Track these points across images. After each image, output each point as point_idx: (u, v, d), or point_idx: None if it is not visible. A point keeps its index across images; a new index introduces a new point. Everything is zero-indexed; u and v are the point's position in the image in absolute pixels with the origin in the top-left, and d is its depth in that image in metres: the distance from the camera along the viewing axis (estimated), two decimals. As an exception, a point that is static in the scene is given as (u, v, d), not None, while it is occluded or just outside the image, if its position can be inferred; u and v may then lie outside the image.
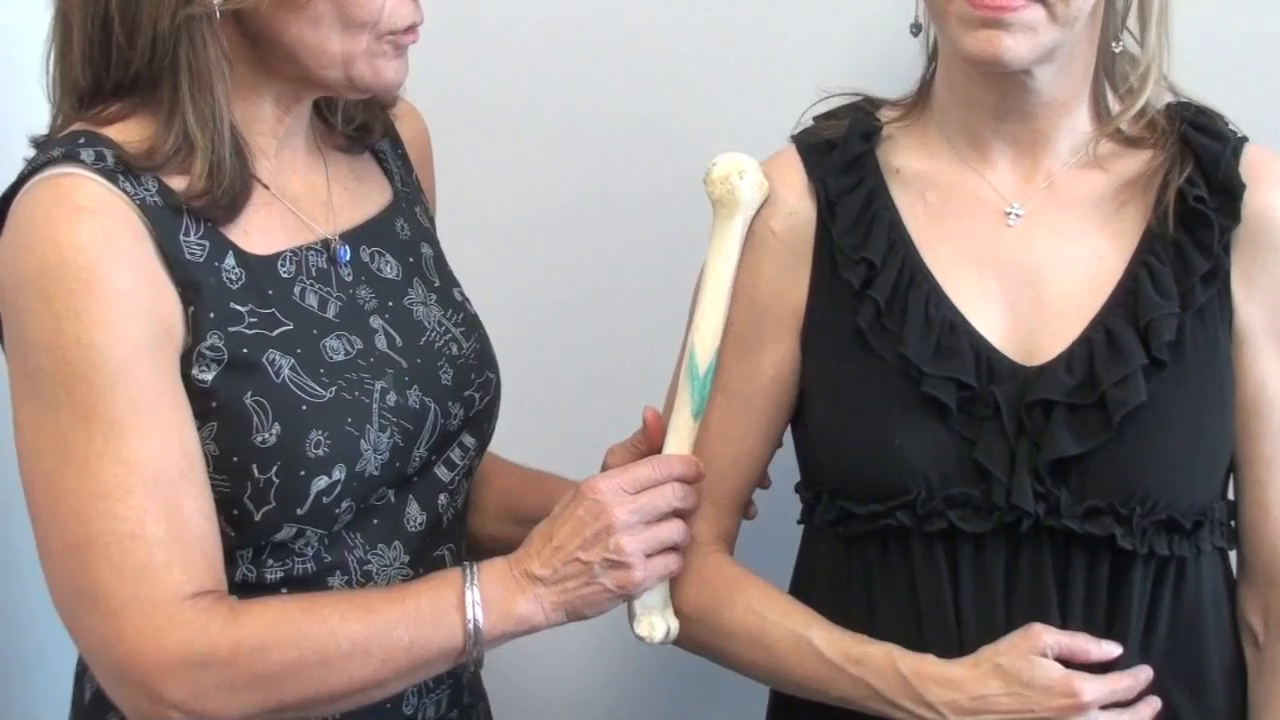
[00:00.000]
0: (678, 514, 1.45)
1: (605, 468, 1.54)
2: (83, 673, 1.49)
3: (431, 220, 1.62)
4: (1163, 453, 1.40)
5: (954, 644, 1.42)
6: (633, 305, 1.91)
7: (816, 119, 1.52)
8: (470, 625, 1.39)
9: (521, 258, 1.92)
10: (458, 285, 1.59)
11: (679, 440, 1.47)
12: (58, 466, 1.31)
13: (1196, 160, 1.44)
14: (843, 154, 1.46)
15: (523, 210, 1.91)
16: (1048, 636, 1.38)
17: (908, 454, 1.41)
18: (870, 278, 1.43)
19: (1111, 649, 1.39)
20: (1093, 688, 1.37)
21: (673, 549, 1.45)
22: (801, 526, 1.55)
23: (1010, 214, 1.46)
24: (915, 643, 1.42)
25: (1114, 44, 1.44)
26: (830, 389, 1.46)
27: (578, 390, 1.94)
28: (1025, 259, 1.45)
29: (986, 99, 1.43)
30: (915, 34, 1.48)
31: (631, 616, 1.47)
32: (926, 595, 1.43)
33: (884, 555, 1.45)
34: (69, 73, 1.39)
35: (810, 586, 1.50)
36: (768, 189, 1.46)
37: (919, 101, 1.51)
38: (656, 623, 1.46)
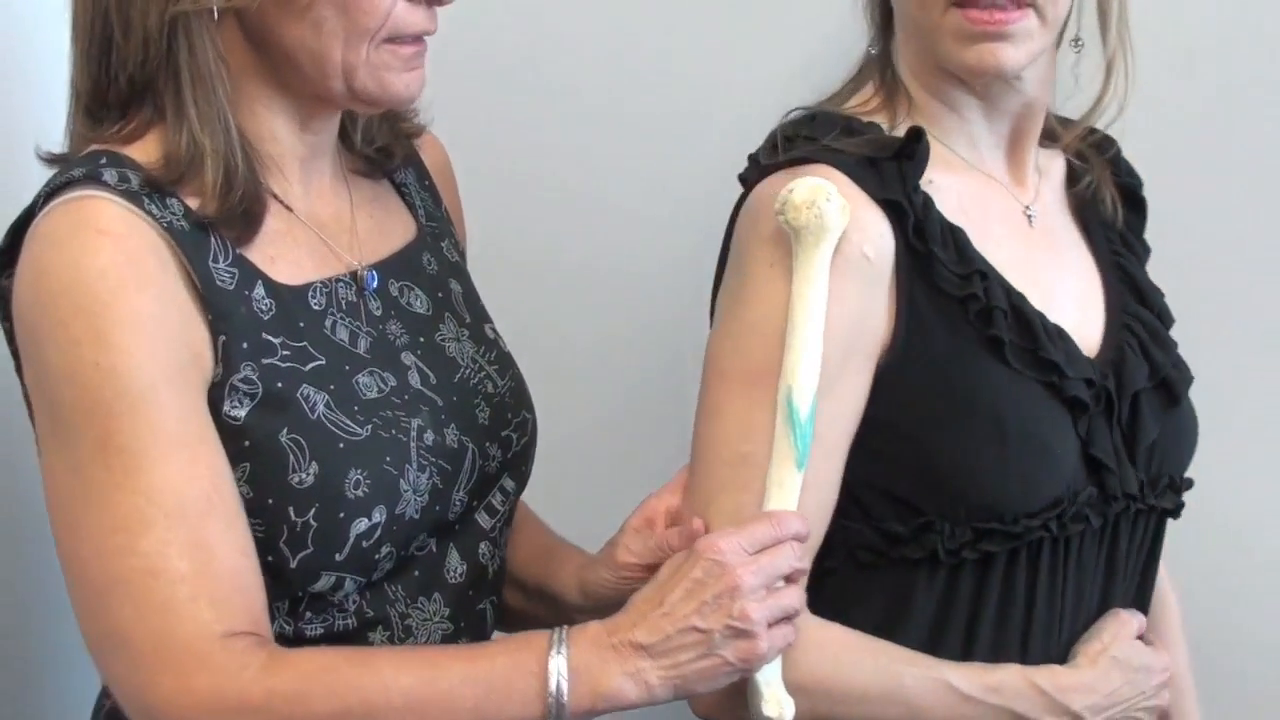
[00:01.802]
0: (788, 578, 1.34)
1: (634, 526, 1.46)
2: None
3: (462, 254, 1.58)
4: (1192, 420, 1.50)
5: (1056, 646, 1.44)
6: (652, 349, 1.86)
7: (787, 136, 1.45)
8: (551, 700, 1.27)
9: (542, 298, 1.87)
10: (489, 322, 1.54)
11: (783, 495, 1.34)
12: (77, 502, 1.25)
13: (1099, 157, 1.55)
14: (896, 170, 1.40)
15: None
16: (1134, 620, 1.45)
17: (1063, 459, 1.40)
18: (986, 289, 1.40)
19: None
20: (1167, 661, 1.47)
21: (787, 617, 1.33)
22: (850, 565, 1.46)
23: (1029, 214, 1.49)
24: (1020, 655, 1.41)
25: (1074, 44, 1.48)
26: (966, 408, 1.38)
27: (600, 432, 1.89)
28: (1049, 257, 1.49)
29: (975, 102, 1.45)
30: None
31: (756, 695, 1.34)
32: (1042, 601, 1.42)
33: (1009, 570, 1.41)
34: (75, 77, 1.35)
35: (901, 622, 1.42)
36: (849, 211, 1.37)
37: (888, 106, 1.47)
38: (785, 700, 1.34)
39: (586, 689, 1.27)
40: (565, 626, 1.30)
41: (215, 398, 1.29)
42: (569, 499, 1.66)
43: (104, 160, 1.30)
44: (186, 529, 1.24)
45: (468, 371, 1.46)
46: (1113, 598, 1.47)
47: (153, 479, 1.23)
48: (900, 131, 1.42)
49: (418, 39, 1.35)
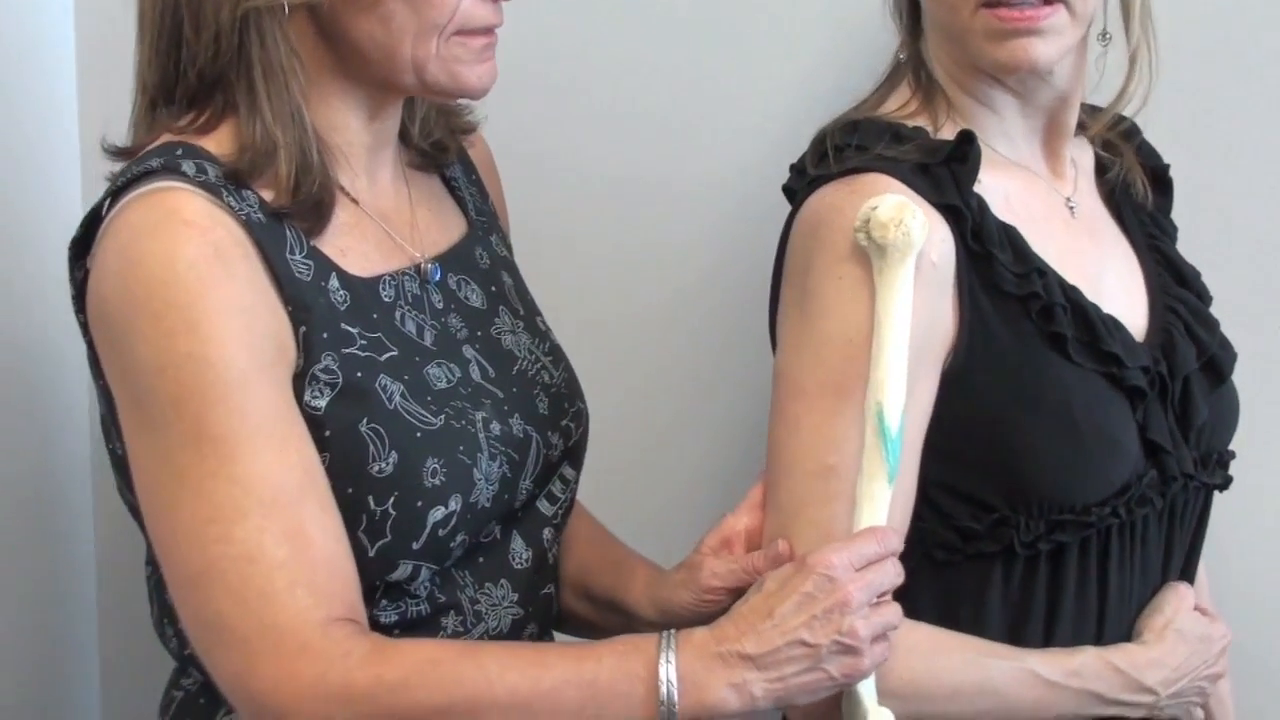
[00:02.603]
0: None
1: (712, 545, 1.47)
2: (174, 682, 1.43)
3: (509, 248, 1.59)
4: (1235, 396, 1.53)
5: (1127, 623, 1.47)
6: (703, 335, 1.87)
7: (837, 146, 1.46)
8: (663, 707, 1.27)
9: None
10: (540, 314, 1.56)
11: (875, 509, 1.35)
12: (172, 493, 1.25)
13: (1125, 142, 1.58)
14: (949, 175, 1.41)
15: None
16: (1190, 592, 1.49)
17: (1128, 447, 1.42)
18: (1045, 286, 1.42)
19: None
20: (1224, 629, 1.51)
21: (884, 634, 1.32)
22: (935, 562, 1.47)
23: (1071, 206, 1.51)
24: (1095, 637, 1.45)
25: (1101, 38, 1.49)
26: (1034, 405, 1.40)
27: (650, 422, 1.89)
28: (1092, 246, 1.51)
29: (1010, 99, 1.47)
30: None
31: (857, 706, 1.34)
32: (1114, 584, 1.45)
33: (1082, 557, 1.43)
34: (142, 70, 1.35)
35: (981, 617, 1.43)
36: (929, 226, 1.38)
37: (928, 109, 1.48)
38: (886, 715, 1.34)
39: (693, 699, 1.27)
40: (673, 632, 1.29)
41: (297, 388, 1.29)
42: (605, 487, 1.67)
43: (180, 151, 1.30)
44: (282, 516, 1.24)
45: (525, 364, 1.47)
46: (1170, 572, 1.50)
47: (247, 467, 1.24)
48: (945, 134, 1.44)
49: (487, 31, 1.35)
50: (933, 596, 1.41)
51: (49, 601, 1.85)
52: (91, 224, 1.30)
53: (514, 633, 1.44)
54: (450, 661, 1.26)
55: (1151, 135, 1.64)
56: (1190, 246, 1.62)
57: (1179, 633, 1.46)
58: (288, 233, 1.31)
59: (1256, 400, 1.60)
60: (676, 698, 1.26)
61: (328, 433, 1.29)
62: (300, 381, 1.29)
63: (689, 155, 1.83)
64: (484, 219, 1.55)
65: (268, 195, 1.30)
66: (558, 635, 1.54)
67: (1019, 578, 1.43)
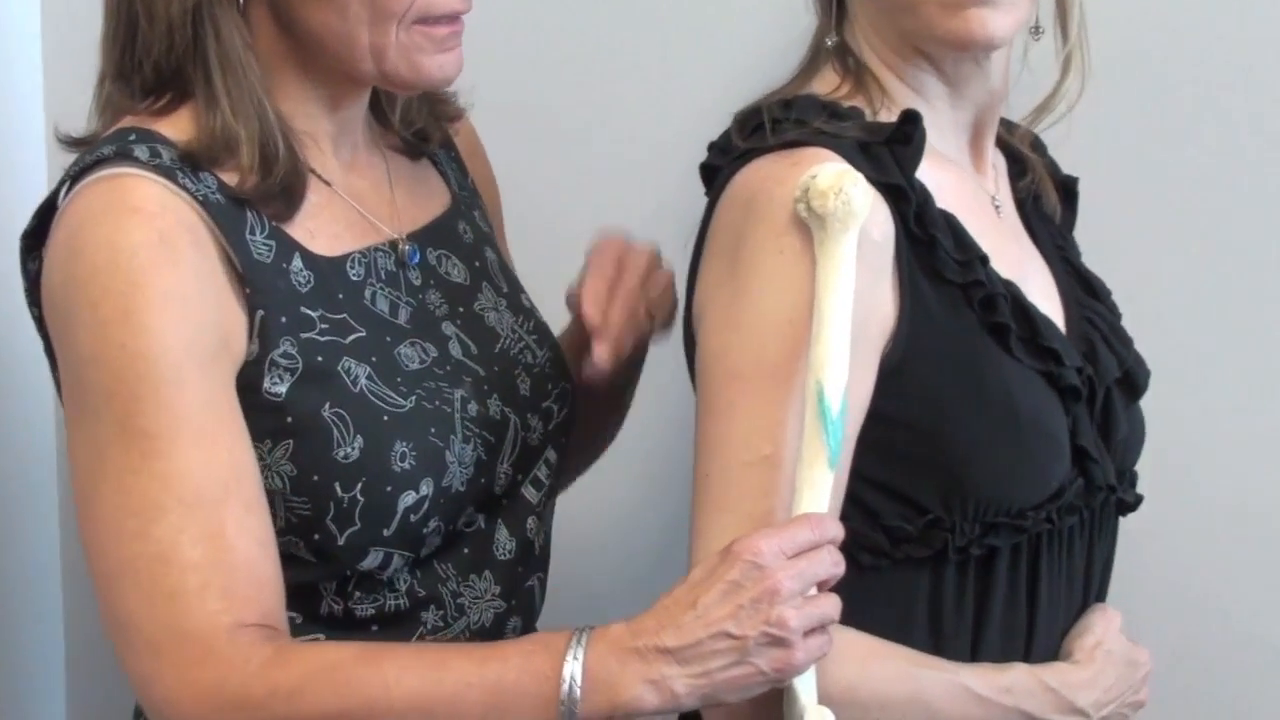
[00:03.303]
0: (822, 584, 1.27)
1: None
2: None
3: (491, 225, 1.57)
4: (1143, 416, 1.51)
5: (1055, 640, 1.43)
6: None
7: (775, 119, 1.38)
8: (564, 706, 1.21)
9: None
10: (524, 291, 1.54)
11: (815, 496, 1.26)
12: (96, 486, 1.24)
13: (1035, 154, 1.55)
14: (890, 156, 1.35)
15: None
16: (1116, 614, 1.46)
17: (1064, 446, 1.38)
18: (988, 275, 1.36)
19: None
20: (1147, 655, 1.47)
21: (822, 626, 1.25)
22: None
23: (997, 205, 1.47)
24: (1024, 651, 1.40)
25: (1033, 32, 1.44)
26: (977, 398, 1.34)
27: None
28: (1015, 248, 1.47)
29: (943, 89, 1.42)
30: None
31: (796, 709, 1.26)
32: (1044, 595, 1.40)
33: (1012, 567, 1.38)
34: (103, 59, 1.35)
35: (907, 624, 1.37)
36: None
37: (862, 92, 1.41)
38: (826, 715, 1.26)
39: (603, 697, 1.21)
40: (587, 629, 1.23)
41: (254, 375, 1.28)
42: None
43: (133, 137, 1.28)
44: (202, 517, 1.22)
45: (508, 342, 1.46)
46: (1090, 589, 1.46)
47: (171, 465, 1.22)
48: (881, 118, 1.39)
49: (452, 19, 1.33)
50: (854, 603, 1.29)
51: (13, 600, 1.84)
52: (45, 215, 1.30)
53: (496, 627, 1.42)
54: (347, 667, 1.23)
55: (1070, 145, 1.59)
56: (1102, 256, 1.59)
57: (1109, 654, 1.42)
58: (249, 213, 1.30)
59: (1162, 422, 1.56)
60: (578, 696, 1.20)
61: (289, 419, 1.28)
62: (259, 368, 1.28)
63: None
64: (465, 193, 1.54)
65: (230, 179, 1.29)
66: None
67: (948, 586, 1.37)
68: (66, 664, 1.93)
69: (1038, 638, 1.41)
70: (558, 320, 1.55)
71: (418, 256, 1.41)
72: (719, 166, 1.38)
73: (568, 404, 1.49)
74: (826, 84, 1.42)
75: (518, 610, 1.43)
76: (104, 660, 1.27)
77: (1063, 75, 1.46)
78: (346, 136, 1.40)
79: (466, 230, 1.50)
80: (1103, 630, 1.43)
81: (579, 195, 1.85)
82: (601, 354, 1.43)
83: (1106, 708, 1.41)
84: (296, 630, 1.31)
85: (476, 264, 1.48)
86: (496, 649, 1.25)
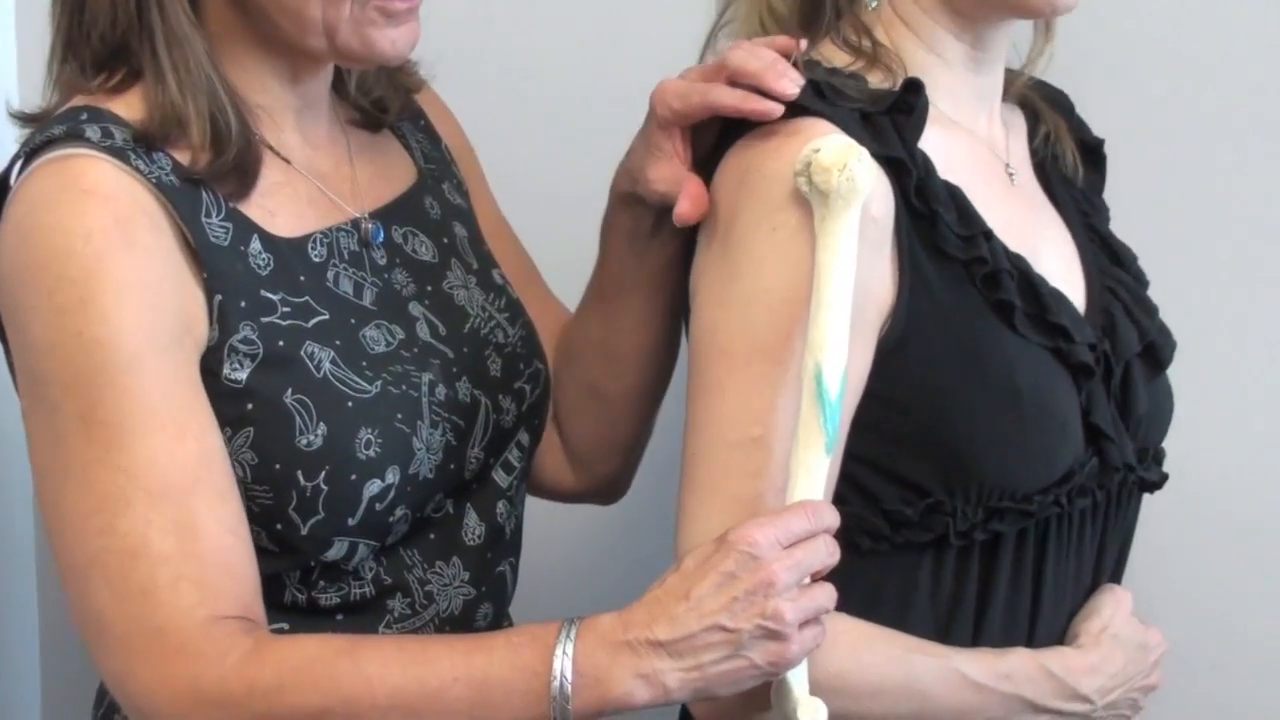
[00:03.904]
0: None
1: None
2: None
3: (465, 195, 1.52)
4: (1170, 389, 1.46)
5: (1060, 625, 1.40)
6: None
7: None
8: (556, 703, 1.18)
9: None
10: (496, 267, 1.50)
11: (810, 481, 1.23)
12: (59, 480, 1.21)
13: (1054, 111, 1.50)
14: (891, 125, 1.31)
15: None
16: (1127, 596, 1.42)
17: (1073, 428, 1.34)
18: (992, 251, 1.33)
19: None
20: (1160, 638, 1.43)
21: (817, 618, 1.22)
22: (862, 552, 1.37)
23: (1010, 173, 1.44)
24: (1027, 636, 1.37)
25: None
26: (978, 379, 1.30)
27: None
28: (1031, 217, 1.43)
29: (965, 51, 1.38)
30: None
31: (787, 697, 1.24)
32: (1049, 581, 1.37)
33: (1018, 550, 1.35)
34: (55, 33, 1.31)
35: (906, 611, 1.35)
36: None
37: (861, 54, 1.37)
38: (819, 707, 1.23)
39: (594, 693, 1.18)
40: (576, 620, 1.21)
41: (214, 360, 1.25)
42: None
43: (85, 116, 1.25)
44: (170, 507, 1.20)
45: (478, 321, 1.43)
46: (1103, 573, 1.43)
47: (135, 455, 1.19)
48: (884, 86, 1.35)
49: None
50: (853, 588, 1.28)
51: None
52: None
53: (466, 615, 1.39)
54: (327, 662, 1.20)
55: (1083, 110, 1.56)
56: (1121, 229, 1.54)
57: (1116, 638, 1.38)
58: (204, 195, 1.27)
59: (1189, 397, 1.52)
60: (570, 692, 1.18)
61: (250, 406, 1.26)
62: (218, 354, 1.25)
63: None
64: (434, 166, 1.50)
65: (183, 158, 1.26)
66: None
67: (949, 571, 1.34)
68: (40, 651, 1.92)
69: (1041, 622, 1.38)
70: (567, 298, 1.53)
71: (381, 235, 1.38)
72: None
73: (541, 384, 1.46)
74: (829, 46, 1.38)
75: (488, 597, 1.41)
76: (79, 647, 1.26)
77: (1049, 31, 1.45)
78: (311, 110, 1.37)
79: (434, 205, 1.46)
80: (1111, 613, 1.40)
81: (575, 182, 1.78)
82: (683, 208, 1.33)
83: (1112, 693, 1.38)
84: None
85: (445, 240, 1.45)
86: (483, 641, 1.23)
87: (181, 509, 1.20)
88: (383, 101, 1.44)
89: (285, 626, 1.30)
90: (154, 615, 1.19)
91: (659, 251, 1.40)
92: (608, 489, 1.57)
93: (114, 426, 1.19)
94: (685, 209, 1.31)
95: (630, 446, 1.53)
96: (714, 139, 1.34)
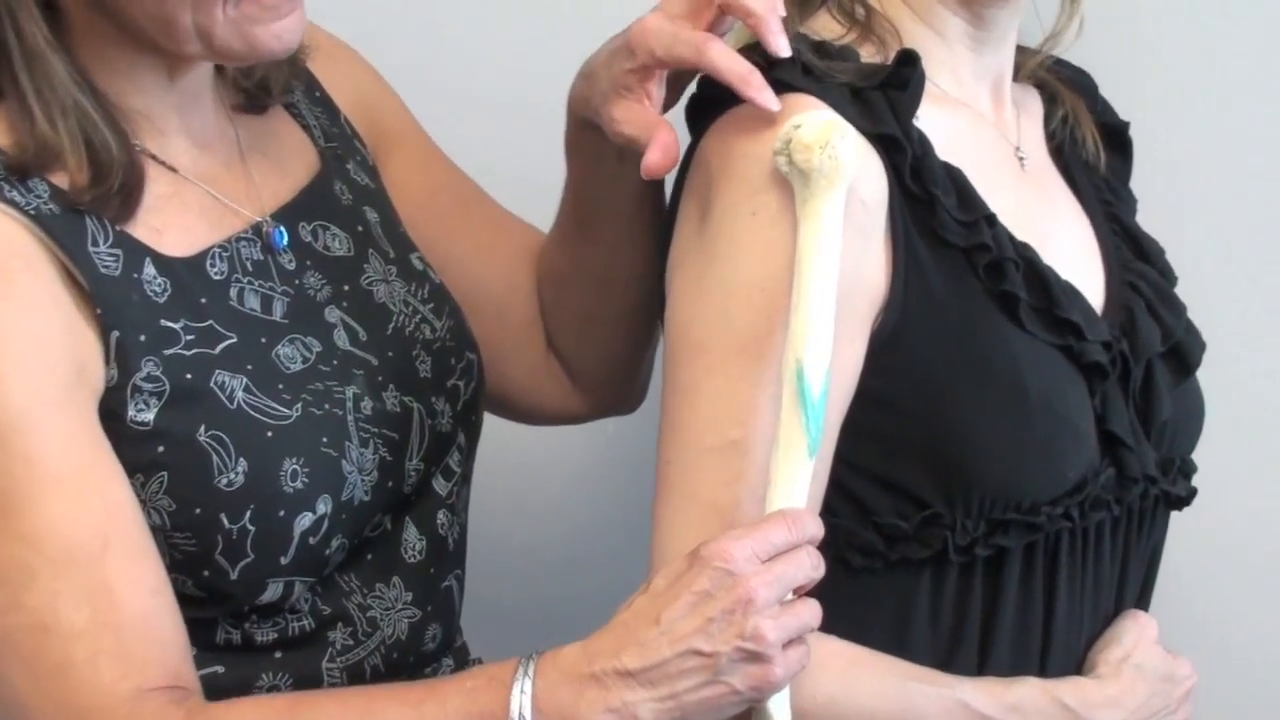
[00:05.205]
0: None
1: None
2: None
3: (371, 171, 1.44)
4: (1200, 395, 1.40)
5: (1076, 653, 1.33)
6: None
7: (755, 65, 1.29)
8: None
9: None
10: (415, 251, 1.42)
11: (792, 489, 1.17)
12: None
13: (1073, 93, 1.44)
14: (884, 101, 1.24)
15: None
16: (1152, 623, 1.36)
17: (1084, 433, 1.27)
18: (995, 237, 1.27)
19: None
20: (1189, 668, 1.37)
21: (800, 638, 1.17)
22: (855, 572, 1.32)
23: (1020, 157, 1.38)
24: (1040, 663, 1.31)
25: None
26: (980, 377, 1.24)
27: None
28: (1043, 204, 1.37)
29: (965, 27, 1.33)
30: None
31: None
32: (1062, 603, 1.31)
33: (1025, 570, 1.29)
34: None
35: (903, 634, 1.28)
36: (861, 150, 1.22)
37: (855, 26, 1.30)
38: None
39: None
40: (535, 655, 1.15)
41: (116, 403, 1.19)
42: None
43: None
44: (80, 574, 1.14)
45: (401, 319, 1.36)
46: (1125, 597, 1.37)
47: (35, 521, 1.14)
48: (877, 59, 1.29)
49: None
50: (844, 609, 1.23)
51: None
52: None
53: (414, 639, 1.33)
54: None
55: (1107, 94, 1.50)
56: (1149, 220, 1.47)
57: (1139, 669, 1.31)
58: (88, 222, 1.20)
59: (1220, 404, 1.44)
60: None
61: (161, 448, 1.19)
62: (120, 395, 1.19)
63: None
64: (335, 144, 1.42)
65: (63, 182, 1.20)
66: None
67: (950, 591, 1.28)
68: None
69: (1054, 650, 1.31)
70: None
71: (285, 238, 1.31)
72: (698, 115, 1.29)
73: (475, 376, 1.40)
74: (822, 20, 1.32)
75: (435, 616, 1.35)
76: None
77: (1073, 8, 1.39)
78: (195, 104, 1.29)
79: (344, 190, 1.38)
80: (1134, 641, 1.33)
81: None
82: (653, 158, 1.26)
83: None
84: None
85: (359, 228, 1.37)
86: (434, 689, 1.17)
87: (92, 575, 1.14)
88: (266, 81, 1.36)
89: (219, 670, 1.24)
90: (75, 696, 1.13)
91: (631, 174, 1.31)
92: (624, 403, 1.53)
93: (8, 493, 1.13)
94: (655, 159, 1.23)
95: (638, 360, 1.49)
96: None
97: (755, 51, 1.25)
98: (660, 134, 1.23)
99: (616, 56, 1.26)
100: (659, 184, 1.31)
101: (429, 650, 1.34)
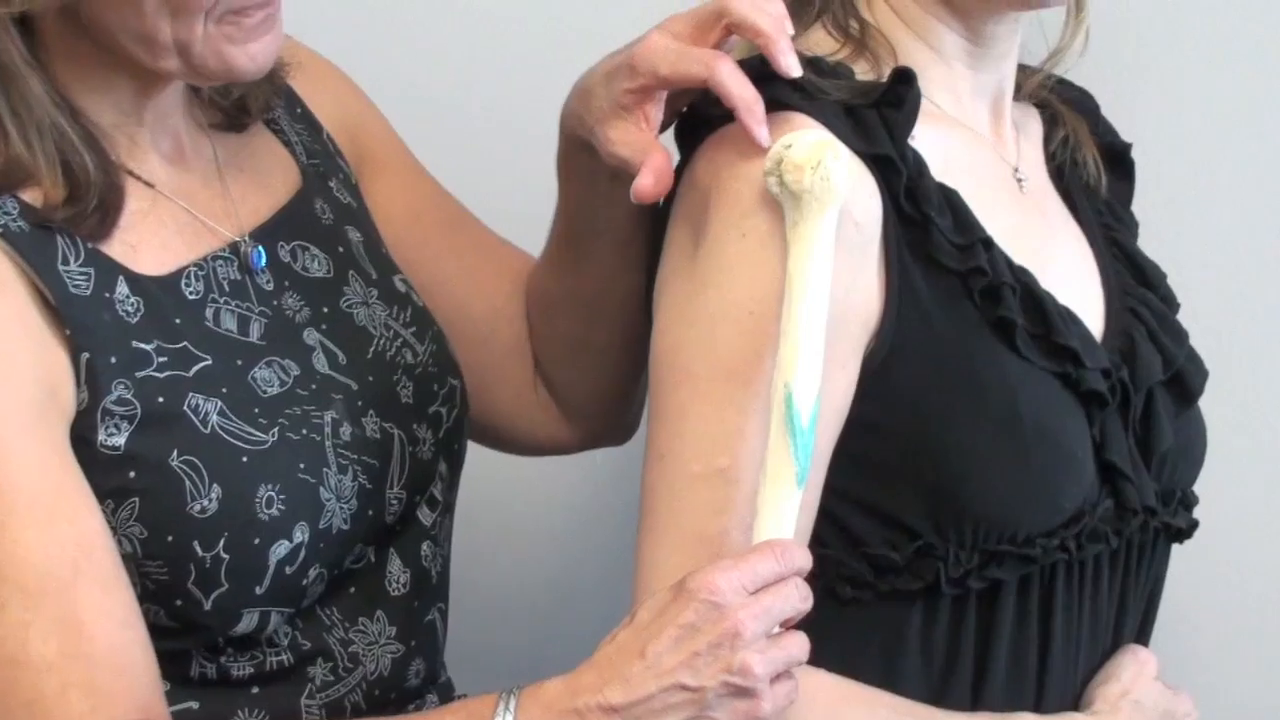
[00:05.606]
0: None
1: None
2: None
3: (353, 191, 1.43)
4: (1203, 425, 1.38)
5: (1072, 690, 1.31)
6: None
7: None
8: None
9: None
10: (398, 273, 1.41)
11: (779, 518, 1.15)
12: None
13: (1075, 114, 1.43)
14: (879, 120, 1.23)
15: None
16: (1152, 658, 1.34)
17: (1082, 463, 1.25)
18: (991, 261, 1.25)
19: None
20: (1190, 705, 1.36)
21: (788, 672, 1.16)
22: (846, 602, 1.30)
23: (1019, 178, 1.36)
24: (1035, 699, 1.28)
25: None
26: (974, 404, 1.22)
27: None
28: (1042, 227, 1.36)
29: (963, 45, 1.31)
30: None
31: None
32: (1058, 638, 1.29)
33: (1020, 603, 1.26)
34: None
35: (894, 668, 1.26)
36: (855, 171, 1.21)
37: (850, 42, 1.30)
38: None
39: None
40: (515, 690, 1.13)
41: (86, 427, 1.17)
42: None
43: None
44: (50, 605, 1.13)
45: (382, 343, 1.34)
46: (1124, 631, 1.35)
47: (4, 550, 1.12)
48: (874, 76, 1.28)
49: (265, 3, 1.22)
50: (831, 643, 1.21)
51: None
52: None
53: (397, 675, 1.31)
54: None
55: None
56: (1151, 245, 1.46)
57: (1138, 705, 1.29)
58: (59, 239, 1.19)
59: (1223, 435, 1.43)
60: None
61: (132, 474, 1.18)
62: (90, 419, 1.17)
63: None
64: (317, 161, 1.40)
65: (34, 199, 1.19)
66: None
67: (943, 625, 1.25)
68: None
69: (1050, 685, 1.29)
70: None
71: (264, 258, 1.29)
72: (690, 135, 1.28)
73: (457, 402, 1.38)
74: (816, 38, 1.30)
75: (419, 651, 1.33)
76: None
77: (1077, 24, 1.37)
78: (165, 123, 1.28)
79: (325, 210, 1.37)
80: (1132, 676, 1.31)
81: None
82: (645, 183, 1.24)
83: None
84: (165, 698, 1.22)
85: (340, 249, 1.36)
86: None
87: (62, 605, 1.12)
88: (244, 101, 1.35)
89: (194, 705, 1.22)
90: None
91: (625, 197, 1.28)
92: (615, 434, 1.51)
93: None
94: (647, 185, 1.21)
95: (630, 389, 1.46)
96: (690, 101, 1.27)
97: (748, 65, 1.23)
98: (654, 158, 1.22)
99: (616, 75, 1.24)
100: (654, 207, 1.28)
101: (412, 686, 1.32)
